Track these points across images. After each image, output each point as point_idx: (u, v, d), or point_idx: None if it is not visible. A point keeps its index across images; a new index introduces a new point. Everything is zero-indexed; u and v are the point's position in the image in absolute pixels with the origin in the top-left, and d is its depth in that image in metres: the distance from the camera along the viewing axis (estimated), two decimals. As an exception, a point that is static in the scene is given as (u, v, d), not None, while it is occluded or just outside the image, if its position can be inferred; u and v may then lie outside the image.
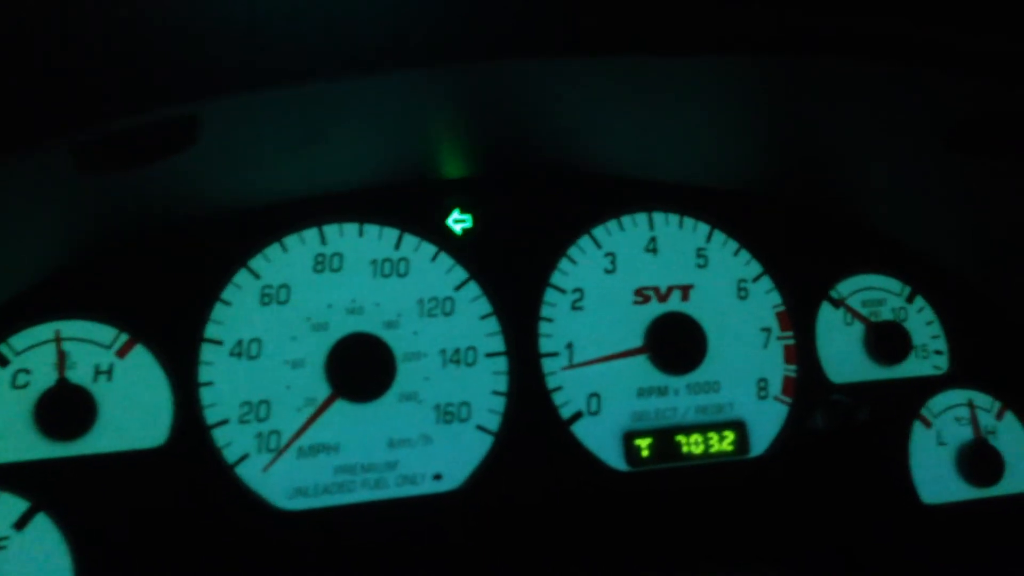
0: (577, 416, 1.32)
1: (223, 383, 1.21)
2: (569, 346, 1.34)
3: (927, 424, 1.41)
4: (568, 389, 1.33)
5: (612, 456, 1.32)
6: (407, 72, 0.98)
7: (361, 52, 0.91)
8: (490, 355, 1.31)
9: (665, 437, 1.34)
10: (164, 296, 1.21)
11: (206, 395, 1.20)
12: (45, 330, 1.16)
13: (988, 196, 1.34)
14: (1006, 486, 1.40)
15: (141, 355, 1.19)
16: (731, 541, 1.34)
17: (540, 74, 1.07)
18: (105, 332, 1.18)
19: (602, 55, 1.01)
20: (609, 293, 1.38)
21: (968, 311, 1.49)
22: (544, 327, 1.34)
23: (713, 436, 1.35)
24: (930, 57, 1.05)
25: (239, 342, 1.23)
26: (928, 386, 1.44)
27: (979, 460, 1.38)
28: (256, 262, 1.26)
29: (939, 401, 1.43)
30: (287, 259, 1.28)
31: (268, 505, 1.19)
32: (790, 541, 1.35)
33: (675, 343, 1.37)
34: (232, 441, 1.20)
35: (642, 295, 1.39)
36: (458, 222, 1.35)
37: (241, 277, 1.25)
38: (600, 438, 1.32)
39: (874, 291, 1.48)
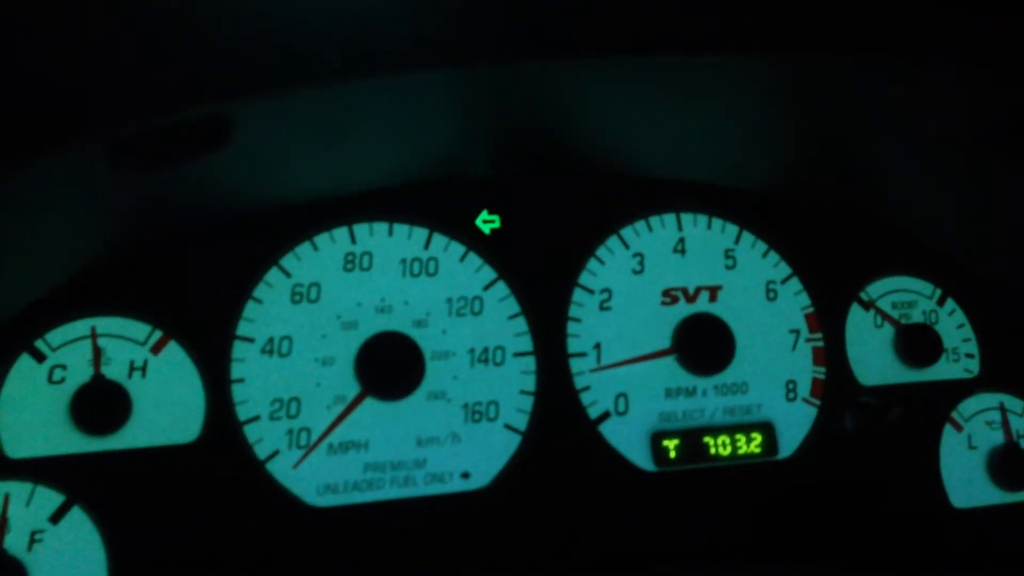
0: (605, 416, 1.32)
1: (254, 380, 1.22)
2: (597, 346, 1.34)
3: (958, 427, 1.40)
4: (596, 389, 1.33)
5: (639, 456, 1.32)
6: (437, 72, 0.99)
7: (393, 51, 0.92)
8: (518, 355, 1.32)
9: (693, 438, 1.33)
10: (197, 294, 1.23)
11: (238, 392, 1.21)
12: (81, 326, 1.18)
13: (1020, 199, 1.33)
14: (1037, 490, 1.39)
15: (174, 352, 1.20)
16: (759, 542, 1.33)
17: (569, 74, 1.08)
18: (140, 329, 1.20)
19: (630, 55, 1.02)
20: (637, 294, 1.38)
21: (1000, 314, 1.48)
22: (572, 327, 1.34)
23: (741, 437, 1.35)
24: (966, 56, 1.05)
25: (270, 340, 1.24)
26: (959, 389, 1.43)
27: (1010, 464, 1.37)
28: (287, 261, 1.27)
29: (970, 404, 1.42)
30: (318, 258, 1.29)
31: (298, 501, 1.20)
32: (819, 544, 1.35)
33: (703, 344, 1.37)
34: (263, 437, 1.21)
35: (670, 296, 1.39)
36: (487, 222, 1.36)
37: (273, 275, 1.26)
38: (628, 438, 1.32)
39: (904, 293, 1.47)
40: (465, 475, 1.27)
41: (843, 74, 1.11)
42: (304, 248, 1.28)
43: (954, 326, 1.46)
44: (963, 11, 1.02)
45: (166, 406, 1.19)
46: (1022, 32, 1.04)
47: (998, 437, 1.41)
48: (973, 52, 1.05)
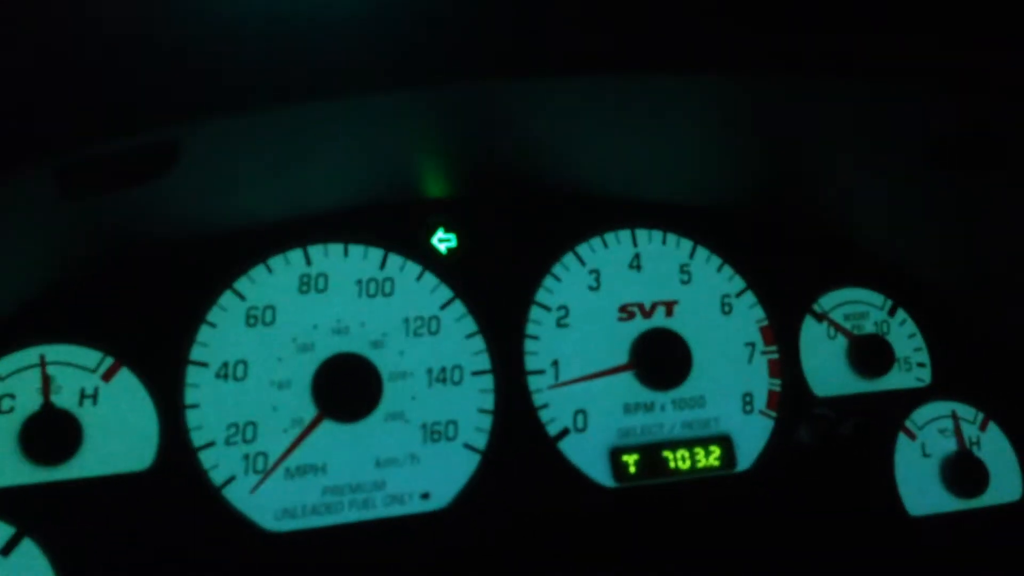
0: (564, 433, 1.33)
1: (209, 405, 1.21)
2: (555, 363, 1.35)
3: (911, 436, 1.42)
4: (554, 406, 1.33)
5: (599, 473, 1.32)
6: (391, 94, 0.99)
7: (341, 75, 0.92)
8: (476, 373, 1.32)
9: (652, 453, 1.34)
10: (149, 319, 1.21)
11: (192, 417, 1.20)
12: (29, 355, 1.16)
13: (969, 211, 1.36)
14: (991, 496, 1.41)
15: (126, 378, 1.19)
16: (719, 555, 1.34)
17: (522, 94, 1.08)
18: (90, 356, 1.18)
19: (582, 75, 1.03)
20: (594, 310, 1.39)
21: (950, 324, 1.51)
22: (529, 345, 1.34)
23: (699, 451, 1.36)
24: (910, 74, 1.07)
25: (225, 364, 1.23)
26: (912, 398, 1.45)
27: (964, 471, 1.39)
28: (241, 284, 1.26)
29: (923, 413, 1.44)
30: (272, 280, 1.28)
31: (256, 527, 1.19)
32: (778, 555, 1.36)
33: (660, 359, 1.38)
34: (218, 463, 1.19)
35: (627, 311, 1.40)
36: (443, 241, 1.36)
37: (226, 299, 1.25)
38: (587, 455, 1.33)
39: (856, 305, 1.49)
40: (425, 495, 1.26)
41: (794, 94, 1.13)
42: (258, 271, 1.27)
43: (905, 336, 1.49)
44: (914, 31, 1.04)
45: (118, 434, 1.17)
46: (975, 50, 1.07)
47: (951, 445, 1.43)
48: (922, 70, 1.07)
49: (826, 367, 1.45)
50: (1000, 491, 1.42)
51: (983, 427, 1.44)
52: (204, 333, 1.23)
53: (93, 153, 0.84)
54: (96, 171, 0.88)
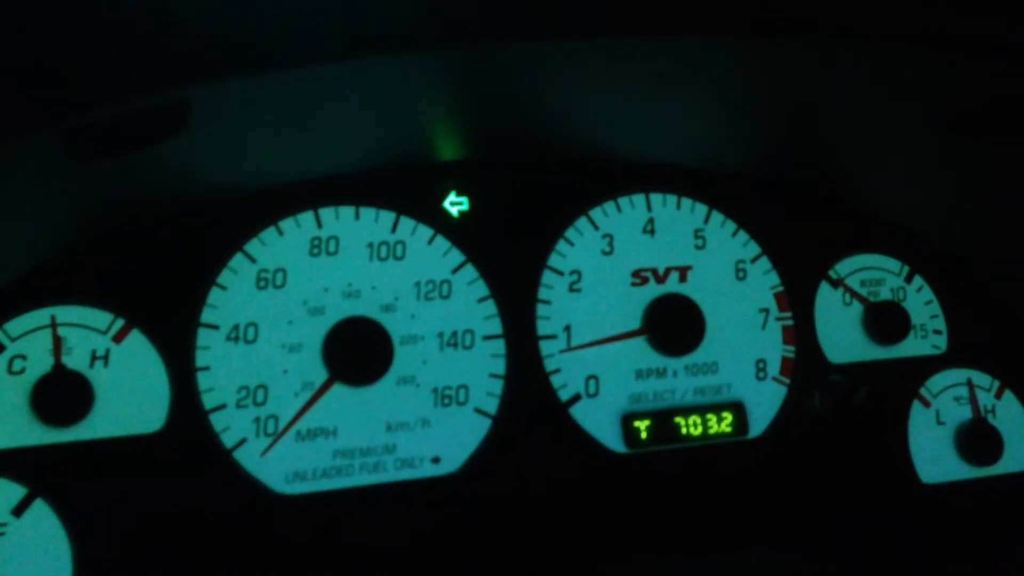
0: (575, 399, 1.32)
1: (220, 368, 1.21)
2: (567, 328, 1.34)
3: (926, 404, 1.41)
4: (566, 371, 1.32)
5: (611, 438, 1.32)
6: (401, 55, 0.98)
7: (355, 34, 0.91)
8: (488, 338, 1.31)
9: (664, 419, 1.33)
10: (160, 281, 1.21)
11: (203, 380, 1.19)
12: (41, 316, 1.16)
13: (986, 177, 1.33)
14: (1005, 465, 1.40)
15: (137, 340, 1.18)
16: (730, 522, 1.34)
17: (537, 56, 1.06)
18: (101, 318, 1.18)
19: (599, 36, 1.00)
20: (607, 275, 1.37)
21: (967, 290, 1.49)
22: (542, 309, 1.33)
23: (712, 417, 1.35)
24: (930, 40, 1.05)
25: (235, 327, 1.22)
26: (927, 366, 1.44)
27: (978, 439, 1.38)
28: (252, 246, 1.25)
29: (938, 380, 1.43)
30: (283, 243, 1.27)
31: (266, 489, 1.19)
32: (790, 521, 1.35)
33: (673, 325, 1.37)
34: (230, 426, 1.19)
35: (640, 277, 1.38)
36: (455, 204, 1.35)
37: (237, 261, 1.24)
38: (598, 420, 1.32)
39: (873, 271, 1.47)
40: (435, 460, 1.26)
41: (810, 58, 1.10)
42: (269, 233, 1.26)
43: (922, 303, 1.47)
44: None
45: (130, 395, 1.17)
46: (990, 18, 1.04)
47: (966, 412, 1.42)
48: (939, 38, 1.05)
49: (841, 334, 1.44)
50: (1014, 459, 1.41)
51: (999, 395, 1.43)
52: (215, 295, 1.22)
53: (101, 115, 0.82)
54: (105, 133, 0.86)
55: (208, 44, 0.85)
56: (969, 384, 1.43)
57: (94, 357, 1.17)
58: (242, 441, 1.19)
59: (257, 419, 1.20)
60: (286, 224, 1.27)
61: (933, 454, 1.39)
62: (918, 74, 1.12)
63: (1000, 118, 1.18)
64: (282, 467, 1.20)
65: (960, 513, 1.38)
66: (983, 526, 1.37)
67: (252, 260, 1.25)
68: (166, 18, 0.83)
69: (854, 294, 1.45)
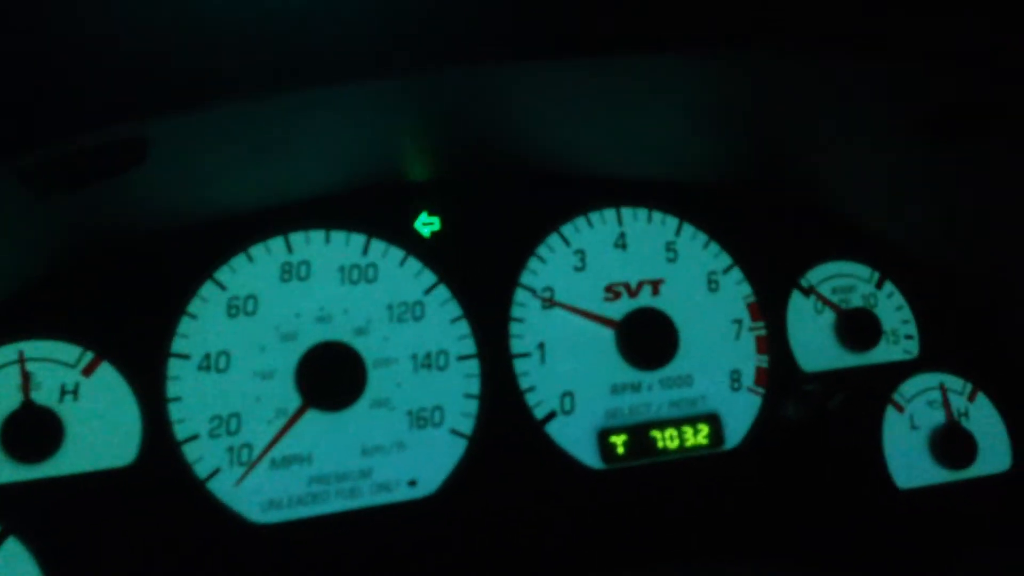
0: (551, 416, 1.32)
1: (192, 398, 1.20)
2: (541, 346, 1.34)
3: (900, 409, 1.42)
4: (541, 389, 1.32)
5: (587, 455, 1.32)
6: (367, 83, 0.97)
7: (318, 64, 0.90)
8: (462, 358, 1.31)
9: (640, 433, 1.34)
10: (129, 312, 1.20)
11: (175, 411, 1.19)
12: (8, 351, 1.15)
13: (954, 182, 1.34)
14: (979, 468, 1.41)
15: (107, 373, 1.18)
16: (710, 534, 1.34)
17: (506, 77, 1.06)
18: (70, 351, 1.17)
19: (565, 58, 1.01)
20: (580, 291, 1.37)
21: (937, 295, 1.50)
22: (515, 328, 1.33)
23: (688, 430, 1.35)
24: (895, 51, 1.06)
25: (207, 355, 1.21)
26: (900, 371, 1.44)
27: (952, 443, 1.39)
28: (222, 274, 1.25)
29: (911, 385, 1.44)
30: (253, 269, 1.26)
31: (242, 519, 1.18)
32: (768, 531, 1.36)
33: (647, 338, 1.37)
34: (203, 456, 1.19)
35: (613, 291, 1.39)
36: (426, 225, 1.35)
37: (207, 289, 1.24)
38: (575, 437, 1.32)
39: (844, 278, 1.48)
40: (412, 483, 1.25)
41: (778, 69, 1.11)
42: (239, 260, 1.26)
43: (893, 309, 1.48)
44: (895, 7, 1.03)
45: (101, 429, 1.16)
46: (954, 26, 1.05)
47: (939, 416, 1.43)
48: (905, 47, 1.06)
49: (814, 342, 1.44)
50: (988, 462, 1.42)
51: (971, 398, 1.44)
52: (185, 325, 1.21)
53: (59, 152, 0.82)
54: (63, 169, 0.86)
55: (168, 78, 0.85)
56: (941, 388, 1.44)
57: (63, 391, 1.16)
58: (216, 471, 1.19)
59: (231, 448, 1.20)
60: (256, 250, 1.27)
61: (908, 459, 1.40)
62: (885, 82, 1.13)
63: (964, 123, 1.19)
64: (257, 496, 1.20)
65: (936, 516, 1.38)
66: (958, 529, 1.38)
67: (222, 287, 1.24)
68: (125, 53, 0.83)
69: (826, 302, 1.46)
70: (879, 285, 1.49)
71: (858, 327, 1.44)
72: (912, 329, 1.48)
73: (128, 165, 0.93)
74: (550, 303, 1.35)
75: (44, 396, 1.15)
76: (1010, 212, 1.34)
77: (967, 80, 1.11)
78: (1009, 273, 1.43)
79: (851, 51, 1.05)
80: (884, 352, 1.46)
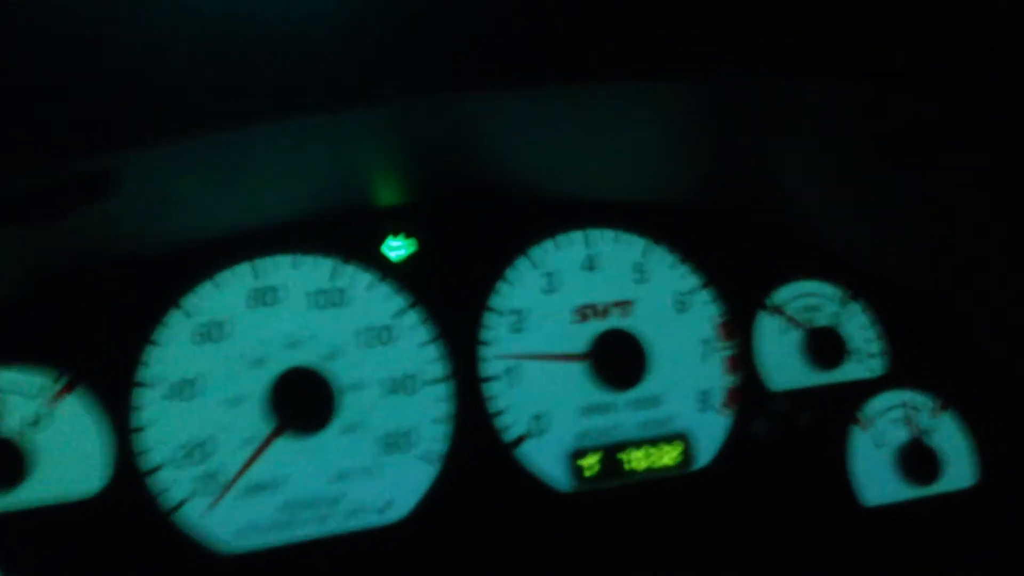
0: (521, 439, 1.32)
1: (158, 427, 1.19)
2: (510, 369, 1.34)
3: (865, 427, 1.44)
4: (511, 412, 1.33)
5: (557, 477, 1.32)
6: (337, 111, 0.97)
7: (281, 96, 0.90)
8: (431, 382, 1.31)
9: (610, 455, 1.34)
10: (93, 341, 1.19)
11: (141, 440, 1.18)
12: (-32, 382, 1.13)
13: (918, 202, 1.36)
14: (945, 484, 1.43)
15: (72, 404, 1.16)
16: (680, 554, 1.35)
17: (471, 105, 1.07)
18: (33, 381, 1.15)
19: (529, 87, 1.01)
20: (549, 313, 1.38)
21: (902, 313, 1.52)
22: (484, 351, 1.33)
23: (657, 451, 1.36)
24: (851, 74, 1.07)
25: (173, 384, 1.20)
26: (865, 389, 1.46)
27: (917, 459, 1.41)
28: (188, 300, 1.24)
29: (876, 403, 1.45)
30: (220, 296, 1.26)
31: (210, 549, 1.17)
32: (737, 550, 1.37)
33: (617, 359, 1.38)
34: (170, 486, 1.18)
35: (582, 313, 1.39)
36: (393, 249, 1.35)
37: (173, 317, 1.23)
38: (545, 460, 1.32)
39: (810, 297, 1.50)
40: (383, 508, 1.25)
41: (739, 94, 1.12)
42: (205, 287, 1.25)
43: (859, 327, 1.50)
44: (846, 32, 1.04)
45: (65, 460, 1.14)
46: (910, 50, 1.07)
47: (905, 434, 1.45)
48: (859, 70, 1.07)
49: (781, 361, 1.46)
50: (954, 478, 1.44)
51: (936, 415, 1.46)
52: (150, 353, 1.20)
53: (15, 188, 0.81)
54: (21, 205, 0.85)
55: (131, 113, 0.84)
56: (907, 405, 1.46)
57: (27, 422, 1.14)
58: (183, 501, 1.18)
59: (199, 477, 1.19)
60: (222, 277, 1.26)
61: (874, 476, 1.41)
62: (845, 105, 1.15)
63: (924, 145, 1.21)
64: (226, 525, 1.19)
65: (902, 533, 1.40)
66: (924, 545, 1.40)
67: (189, 315, 1.23)
68: (88, 87, 0.82)
69: (792, 321, 1.48)
70: (845, 303, 1.50)
71: (824, 345, 1.46)
72: (878, 347, 1.50)
73: (93, 199, 0.93)
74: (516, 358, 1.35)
75: (6, 427, 1.13)
76: (970, 229, 1.36)
77: (910, 102, 1.12)
78: (971, 291, 1.45)
79: (790, 76, 1.06)
80: (850, 370, 1.47)
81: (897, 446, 1.44)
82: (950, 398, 1.47)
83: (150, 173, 0.96)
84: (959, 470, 1.45)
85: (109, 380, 1.18)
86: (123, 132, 0.84)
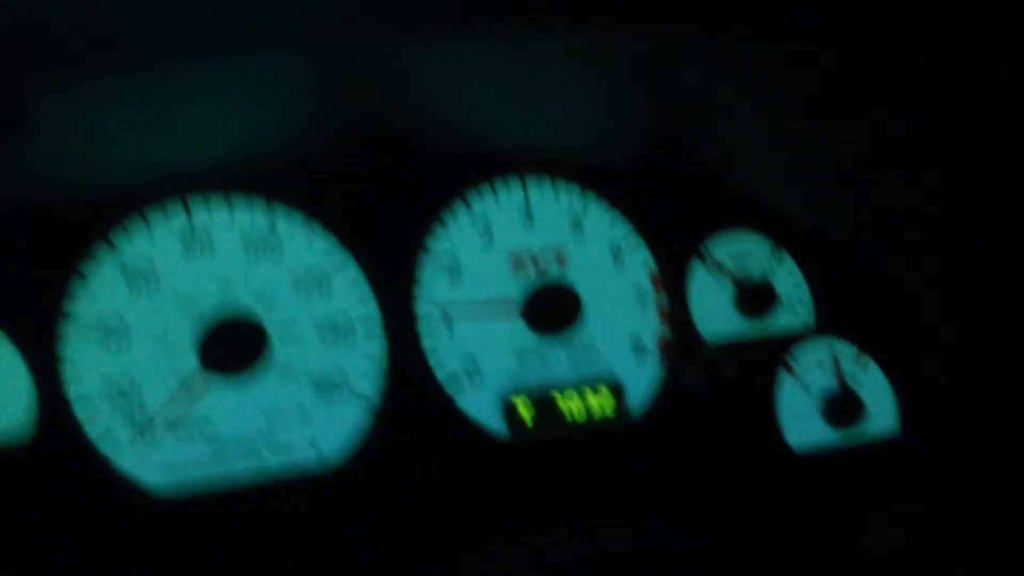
0: (455, 381, 1.33)
1: (85, 360, 1.18)
2: (444, 311, 1.34)
3: (793, 374, 1.47)
4: (444, 353, 1.33)
5: (490, 420, 1.34)
6: (259, 56, 0.97)
7: (206, 36, 0.90)
8: (365, 323, 1.31)
9: (544, 402, 1.36)
10: (16, 276, 1.17)
11: (67, 373, 1.16)
12: None
13: (849, 157, 1.39)
14: (868, 429, 1.47)
15: (-3, 340, 1.15)
16: (614, 501, 1.37)
17: (407, 48, 1.07)
18: (-44, 314, 1.14)
19: (457, 33, 1.02)
20: (483, 258, 1.39)
21: (831, 265, 1.55)
22: (418, 291, 1.34)
23: (592, 399, 1.38)
24: (784, 32, 1.09)
25: (101, 319, 1.19)
26: (794, 338, 1.49)
27: (841, 405, 1.44)
28: (117, 236, 1.22)
29: (804, 351, 1.49)
30: (151, 234, 1.24)
31: (139, 484, 1.17)
32: (670, 495, 1.39)
33: (551, 307, 1.39)
34: (97, 419, 1.17)
35: (517, 259, 1.40)
36: (329, 192, 1.34)
37: (102, 252, 1.21)
38: (478, 403, 1.34)
39: (743, 248, 1.52)
40: (315, 449, 1.25)
41: (676, 49, 1.14)
42: (136, 224, 1.24)
43: (789, 278, 1.53)
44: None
45: (-7, 398, 1.13)
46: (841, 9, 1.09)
47: (831, 381, 1.48)
48: (797, 28, 1.09)
49: (713, 310, 1.48)
50: (877, 425, 1.48)
51: (861, 364, 1.50)
52: (77, 288, 1.19)
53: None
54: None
55: (52, 49, 0.83)
56: (833, 354, 1.49)
57: (-52, 354, 1.12)
58: (110, 434, 1.17)
59: (126, 412, 1.18)
60: (153, 215, 1.25)
61: (800, 421, 1.45)
62: (775, 60, 1.17)
63: (854, 100, 1.24)
64: (154, 460, 1.18)
65: (826, 476, 1.44)
66: (847, 487, 1.44)
67: (117, 250, 1.22)
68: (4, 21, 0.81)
69: (725, 271, 1.50)
70: (776, 255, 1.53)
71: (755, 296, 1.48)
72: (807, 298, 1.53)
73: (9, 137, 0.91)
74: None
75: (-73, 358, 1.11)
76: (894, 184, 1.40)
77: (843, 62, 1.15)
78: (895, 244, 1.49)
79: (717, 31, 1.08)
80: (780, 320, 1.50)
81: (823, 392, 1.47)
82: (872, 349, 1.51)
83: (69, 115, 0.95)
84: (882, 417, 1.49)
85: (34, 314, 1.16)
86: (36, 70, 0.83)
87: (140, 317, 1.21)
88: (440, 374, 1.33)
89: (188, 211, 1.26)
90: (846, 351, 1.50)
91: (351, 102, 1.26)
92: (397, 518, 1.28)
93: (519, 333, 1.38)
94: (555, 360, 1.39)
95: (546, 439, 1.36)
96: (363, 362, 1.30)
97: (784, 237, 1.54)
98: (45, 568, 1.13)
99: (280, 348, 1.26)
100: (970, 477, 1.40)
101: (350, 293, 1.31)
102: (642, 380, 1.42)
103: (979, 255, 1.35)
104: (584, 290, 1.41)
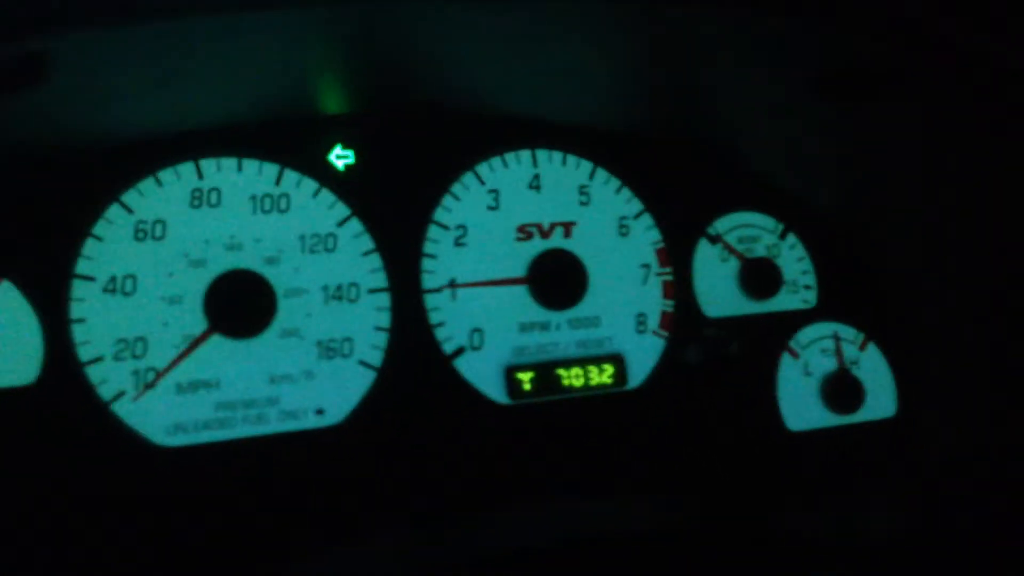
0: (460, 351, 1.34)
1: (97, 320, 1.19)
2: (452, 282, 1.36)
3: (795, 355, 1.48)
4: (450, 324, 1.34)
5: (494, 390, 1.35)
6: (288, 10, 0.97)
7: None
8: (373, 291, 1.32)
9: (546, 371, 1.37)
10: (31, 232, 1.18)
11: (79, 332, 1.18)
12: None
13: (855, 139, 1.39)
14: (867, 413, 1.49)
15: (8, 292, 1.15)
16: (610, 470, 1.39)
17: (424, 10, 1.06)
18: (-34, 268, 1.15)
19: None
20: (492, 229, 1.39)
21: (836, 248, 1.56)
22: (427, 263, 1.35)
23: (593, 369, 1.39)
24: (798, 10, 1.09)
25: (112, 278, 1.20)
26: (797, 319, 1.50)
27: (841, 389, 1.46)
28: (129, 196, 1.23)
29: (807, 333, 1.50)
30: (162, 194, 1.25)
31: (146, 442, 1.18)
32: (666, 468, 1.41)
33: (556, 279, 1.40)
34: (107, 378, 1.18)
35: (525, 232, 1.41)
36: (340, 158, 1.35)
37: (113, 212, 1.22)
38: (482, 373, 1.35)
39: (749, 228, 1.53)
40: (319, 412, 1.27)
41: (692, 22, 1.13)
42: (147, 183, 1.24)
43: (794, 259, 1.53)
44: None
45: (1, 348, 1.14)
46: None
47: (831, 364, 1.49)
48: (810, 6, 1.09)
49: (717, 289, 1.49)
50: (875, 408, 1.49)
51: (862, 347, 1.51)
52: (90, 247, 1.20)
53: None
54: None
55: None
56: (835, 337, 1.51)
57: (-38, 309, 1.14)
58: (120, 394, 1.18)
59: (136, 371, 1.19)
60: (165, 175, 1.25)
61: (800, 403, 1.46)
62: (788, 40, 1.16)
63: (863, 82, 1.23)
64: (162, 419, 1.20)
65: (824, 459, 1.46)
66: (844, 471, 1.46)
67: (129, 211, 1.23)
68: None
69: (731, 250, 1.51)
70: (782, 236, 1.54)
71: (760, 276, 1.49)
72: (811, 280, 1.54)
73: (27, 83, 0.91)
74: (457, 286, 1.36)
75: (-59, 313, 1.12)
76: (899, 168, 1.40)
77: (853, 45, 1.15)
78: (898, 229, 1.49)
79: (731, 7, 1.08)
80: (784, 301, 1.51)
81: (823, 375, 1.48)
82: (873, 332, 1.52)
83: (87, 61, 0.95)
84: (881, 401, 1.50)
85: (47, 271, 1.17)
86: (56, 14, 0.83)
87: (150, 278, 1.22)
88: (444, 342, 1.34)
89: (200, 174, 1.27)
90: (848, 334, 1.51)
91: (366, 70, 1.26)
92: (393, 478, 1.29)
93: (524, 305, 1.39)
94: (558, 331, 1.40)
95: (545, 407, 1.37)
96: (369, 329, 1.31)
97: (792, 219, 1.54)
98: (42, 507, 1.14)
99: (287, 312, 1.27)
100: (967, 459, 1.42)
101: (359, 261, 1.32)
102: (643, 353, 1.43)
103: (982, 242, 1.36)
104: (590, 263, 1.42)
